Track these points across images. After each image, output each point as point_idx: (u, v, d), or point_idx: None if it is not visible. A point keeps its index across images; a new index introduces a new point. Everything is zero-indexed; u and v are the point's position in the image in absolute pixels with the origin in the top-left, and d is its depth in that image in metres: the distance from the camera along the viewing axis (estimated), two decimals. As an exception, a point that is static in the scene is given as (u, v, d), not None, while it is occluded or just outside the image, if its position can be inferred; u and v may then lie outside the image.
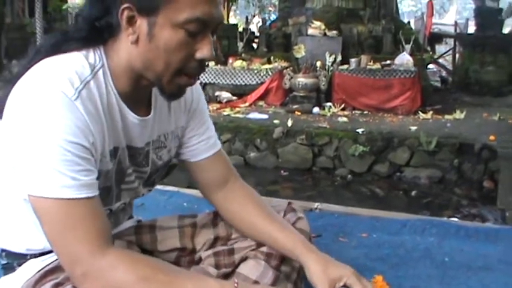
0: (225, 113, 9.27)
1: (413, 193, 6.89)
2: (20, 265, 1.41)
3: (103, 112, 1.24)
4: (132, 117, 1.32)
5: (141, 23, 1.19)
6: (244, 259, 1.53)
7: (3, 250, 1.44)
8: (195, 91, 1.56)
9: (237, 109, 9.60)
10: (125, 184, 1.42)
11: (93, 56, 1.25)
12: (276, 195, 7.08)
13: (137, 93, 1.32)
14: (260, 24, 12.91)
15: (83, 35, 1.26)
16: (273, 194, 7.13)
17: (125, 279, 1.15)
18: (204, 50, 1.21)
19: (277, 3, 14.99)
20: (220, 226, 1.62)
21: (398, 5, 15.34)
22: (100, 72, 1.24)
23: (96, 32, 1.25)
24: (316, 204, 2.71)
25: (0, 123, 1.22)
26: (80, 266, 1.14)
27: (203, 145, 1.57)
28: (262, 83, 10.20)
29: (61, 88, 1.14)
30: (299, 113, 9.11)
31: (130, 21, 1.20)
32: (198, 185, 1.63)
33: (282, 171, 7.85)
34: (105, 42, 1.27)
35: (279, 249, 1.48)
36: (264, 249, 1.51)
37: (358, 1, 11.04)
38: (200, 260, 1.58)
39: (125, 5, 1.19)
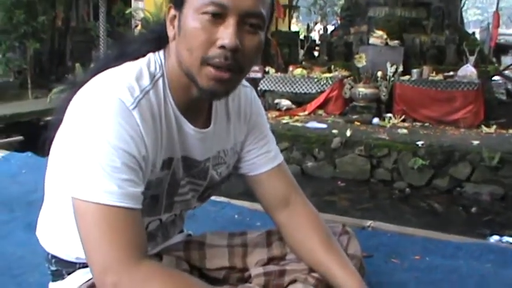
0: (284, 121, 9.28)
1: (473, 210, 6.72)
2: (69, 273, 1.44)
3: (159, 122, 1.24)
4: (188, 128, 1.32)
5: (177, 18, 1.21)
6: (293, 281, 1.49)
7: (53, 256, 1.46)
8: (254, 104, 1.55)
9: (296, 117, 9.58)
10: (178, 196, 1.41)
11: (154, 64, 1.27)
12: (332, 206, 7.04)
13: (193, 104, 1.31)
14: (321, 32, 12.87)
15: (152, 37, 1.32)
16: (329, 204, 7.09)
17: None
18: (224, 36, 1.15)
19: (339, 11, 14.89)
20: (275, 246, 1.58)
21: (464, 14, 15.01)
22: (160, 82, 1.25)
23: (162, 34, 1.29)
24: (369, 222, 2.65)
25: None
26: (111, 274, 1.11)
27: (262, 159, 1.54)
28: (322, 92, 10.15)
29: (120, 96, 1.15)
30: (358, 123, 9.01)
31: (173, 20, 1.23)
32: (259, 201, 1.59)
33: (339, 182, 7.80)
34: (166, 46, 1.30)
35: (334, 286, 1.43)
36: (315, 274, 1.47)
37: (421, 10, 10.84)
38: (249, 277, 1.55)
39: (170, 5, 1.23)
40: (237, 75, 1.23)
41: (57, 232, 1.41)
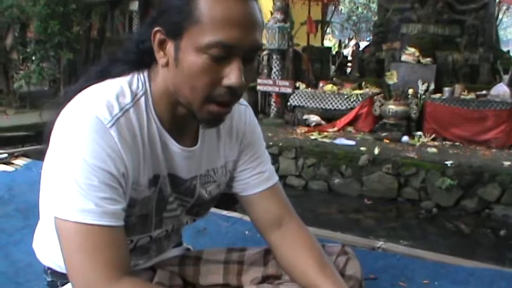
0: (313, 137, 9.24)
1: (502, 232, 6.55)
2: (62, 284, 1.45)
3: (141, 141, 1.24)
4: (173, 146, 1.31)
5: (170, 47, 1.19)
6: None
7: (48, 268, 1.50)
8: (248, 123, 1.53)
9: (325, 133, 9.54)
10: (167, 212, 1.41)
11: (137, 82, 1.26)
12: (357, 224, 6.99)
13: (179, 122, 1.30)
14: (354, 48, 12.82)
15: (130, 58, 1.30)
16: (355, 222, 7.04)
17: None
18: (231, 77, 1.15)
19: (371, 28, 14.79)
20: (271, 265, 1.56)
21: (503, 32, 14.77)
22: (142, 100, 1.25)
23: (142, 56, 1.28)
24: (379, 243, 2.61)
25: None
26: None
27: (255, 179, 1.52)
28: (352, 109, 10.08)
29: (97, 114, 1.15)
30: (387, 141, 8.91)
31: (162, 44, 1.21)
32: (252, 221, 1.57)
33: (366, 200, 7.74)
34: (149, 66, 1.29)
35: None
36: None
37: (455, 28, 10.67)
38: None
39: (156, 28, 1.20)
40: (234, 105, 1.25)
41: (51, 245, 1.42)
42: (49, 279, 1.52)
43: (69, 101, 1.22)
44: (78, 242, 1.13)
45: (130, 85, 1.25)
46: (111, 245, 1.14)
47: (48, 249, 1.46)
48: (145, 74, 1.28)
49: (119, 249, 1.16)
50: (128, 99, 1.22)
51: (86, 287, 1.13)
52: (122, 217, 1.18)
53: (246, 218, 3.02)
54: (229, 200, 1.67)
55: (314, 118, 10.21)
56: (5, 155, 4.36)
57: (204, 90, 1.16)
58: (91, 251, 1.13)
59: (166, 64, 1.21)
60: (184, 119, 1.30)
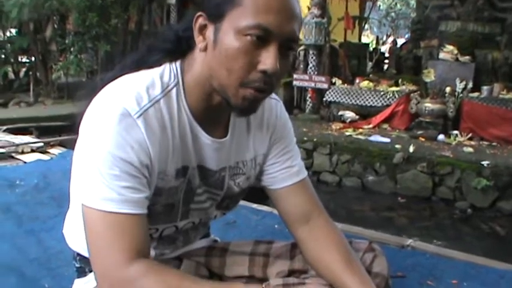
0: (347, 133, 9.18)
1: (538, 236, 6.40)
2: (90, 271, 1.46)
3: (171, 131, 1.25)
4: (204, 137, 1.32)
5: (210, 31, 1.21)
6: None
7: (77, 254, 1.52)
8: (279, 117, 1.54)
9: (360, 130, 9.46)
10: (195, 204, 1.42)
11: (169, 73, 1.28)
12: (390, 222, 6.92)
13: (211, 112, 1.31)
14: (391, 45, 12.70)
15: (167, 46, 1.31)
16: (387, 220, 6.98)
17: (153, 287, 1.15)
18: (266, 62, 1.16)
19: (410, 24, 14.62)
20: (297, 259, 1.56)
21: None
22: (173, 91, 1.26)
23: (179, 43, 1.30)
24: (409, 241, 2.59)
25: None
26: (108, 278, 1.16)
27: (284, 173, 1.52)
28: (388, 106, 9.96)
29: (125, 105, 1.17)
30: (423, 139, 8.78)
31: (202, 29, 1.22)
32: (280, 215, 1.57)
33: (399, 198, 7.64)
34: (184, 56, 1.30)
35: None
36: None
37: (495, 26, 10.46)
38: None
39: (199, 13, 1.22)
40: (268, 94, 1.25)
41: (80, 232, 1.44)
42: (78, 265, 1.54)
43: (102, 88, 1.24)
44: (100, 229, 1.16)
45: (161, 77, 1.26)
46: (130, 232, 1.17)
47: (77, 236, 1.48)
48: (178, 65, 1.30)
49: (139, 236, 1.18)
50: (157, 90, 1.24)
51: (104, 272, 1.16)
52: (145, 205, 1.21)
53: (276, 211, 3.02)
54: (259, 193, 1.67)
55: (349, 114, 10.14)
56: (41, 144, 4.44)
57: (239, 73, 1.17)
58: (111, 238, 1.16)
59: (205, 48, 1.22)
60: (217, 109, 1.31)
